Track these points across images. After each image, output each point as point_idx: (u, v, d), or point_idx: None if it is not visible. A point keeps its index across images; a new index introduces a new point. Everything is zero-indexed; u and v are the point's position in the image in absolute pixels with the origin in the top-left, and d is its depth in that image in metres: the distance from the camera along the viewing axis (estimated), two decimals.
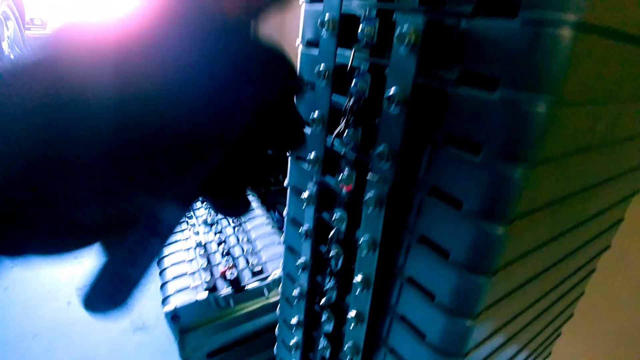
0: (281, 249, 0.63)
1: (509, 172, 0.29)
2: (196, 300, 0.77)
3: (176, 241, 0.99)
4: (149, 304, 1.07)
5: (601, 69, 0.30)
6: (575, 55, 0.26)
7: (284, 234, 0.60)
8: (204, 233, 1.02)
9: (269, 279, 0.84)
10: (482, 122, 0.30)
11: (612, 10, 0.27)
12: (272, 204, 1.84)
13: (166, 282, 0.82)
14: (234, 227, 1.02)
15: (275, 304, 0.82)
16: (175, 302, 0.77)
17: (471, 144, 0.30)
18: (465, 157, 0.31)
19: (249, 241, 0.97)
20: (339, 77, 0.42)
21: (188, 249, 0.96)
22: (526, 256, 0.37)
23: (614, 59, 0.31)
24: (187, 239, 0.99)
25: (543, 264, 0.43)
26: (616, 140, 0.40)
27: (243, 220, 1.07)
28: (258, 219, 1.06)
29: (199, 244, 0.95)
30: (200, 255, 0.91)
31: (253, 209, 1.08)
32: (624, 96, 0.36)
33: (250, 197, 1.05)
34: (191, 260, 0.92)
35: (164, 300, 0.78)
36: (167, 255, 0.94)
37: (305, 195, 0.48)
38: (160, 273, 0.86)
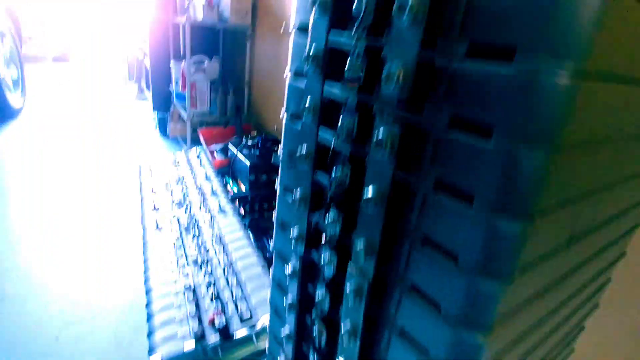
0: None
1: (503, 226, 0.26)
2: (183, 352, 0.74)
3: (166, 282, 0.96)
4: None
5: (602, 114, 0.28)
6: (575, 103, 0.24)
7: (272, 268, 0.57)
8: (194, 274, 0.99)
9: (258, 325, 0.81)
10: (475, 171, 0.27)
11: (613, 55, 0.25)
12: (265, 229, 1.80)
13: (153, 330, 0.79)
14: (224, 268, 0.99)
15: (264, 350, 0.79)
16: (162, 352, 0.74)
17: (463, 194, 0.28)
18: (457, 207, 0.29)
19: (238, 284, 0.94)
20: (327, 111, 0.40)
21: (177, 292, 0.93)
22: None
23: (615, 102, 0.29)
24: (175, 281, 0.96)
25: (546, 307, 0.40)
26: (619, 180, 0.38)
27: (233, 258, 1.04)
28: (249, 258, 1.03)
29: (187, 288, 0.92)
30: (189, 300, 0.89)
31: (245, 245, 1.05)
32: (626, 136, 0.34)
33: (243, 234, 1.02)
34: (180, 305, 0.89)
35: (151, 350, 0.75)
36: (156, 299, 0.91)
37: (289, 269, 0.45)
38: (148, 319, 0.83)
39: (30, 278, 1.29)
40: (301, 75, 0.45)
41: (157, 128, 3.13)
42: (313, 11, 0.37)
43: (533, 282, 0.34)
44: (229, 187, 2.07)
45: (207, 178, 1.60)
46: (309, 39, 0.39)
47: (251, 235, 1.64)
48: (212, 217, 1.28)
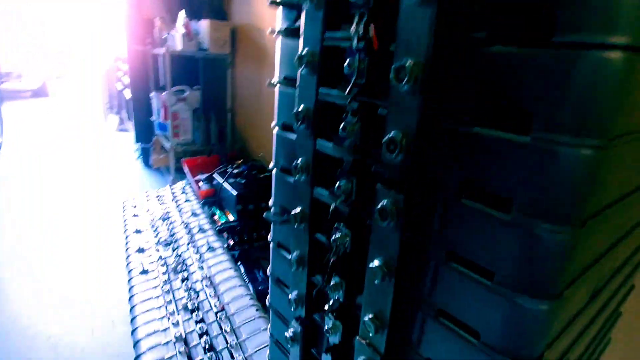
0: (266, 336, 0.56)
1: (527, 304, 0.24)
2: None
3: (155, 332, 0.91)
4: None
5: (619, 179, 0.26)
6: (595, 178, 0.22)
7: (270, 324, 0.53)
8: (184, 321, 0.93)
9: None
10: (493, 244, 0.25)
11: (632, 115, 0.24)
12: (256, 259, 1.75)
13: None
14: (216, 313, 0.94)
15: None
16: None
17: (483, 270, 0.26)
18: (473, 281, 0.26)
19: (233, 330, 0.89)
20: (322, 169, 0.38)
21: (167, 342, 0.87)
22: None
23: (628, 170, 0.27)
24: (165, 329, 0.90)
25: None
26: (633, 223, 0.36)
27: (226, 301, 0.99)
28: (242, 299, 0.98)
29: (178, 338, 0.86)
30: (180, 352, 0.83)
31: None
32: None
33: (234, 272, 0.97)
34: (171, 357, 0.83)
35: None
36: (145, 352, 0.85)
37: (289, 332, 0.42)
38: None
39: (15, 329, 1.21)
40: (290, 129, 0.43)
41: (140, 159, 3.06)
42: (300, 68, 0.35)
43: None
44: (215, 218, 2.02)
45: (193, 214, 1.55)
46: (297, 95, 0.37)
47: (242, 268, 1.59)
48: (200, 257, 1.23)
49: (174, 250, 1.27)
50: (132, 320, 1.01)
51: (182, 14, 2.38)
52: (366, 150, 0.33)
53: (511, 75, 0.23)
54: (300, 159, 0.37)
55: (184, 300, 1.03)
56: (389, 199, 0.29)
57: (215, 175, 2.19)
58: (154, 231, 1.40)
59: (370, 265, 0.31)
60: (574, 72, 0.21)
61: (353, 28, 0.30)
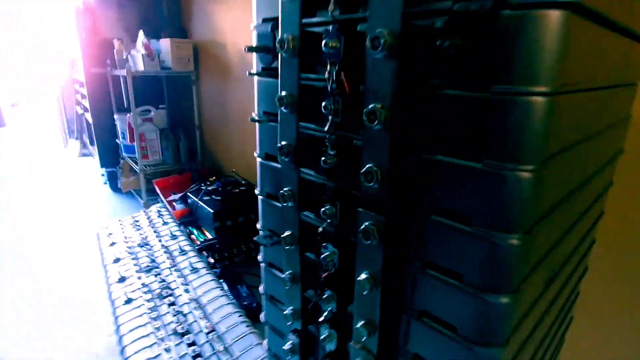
0: (260, 350, 0.59)
1: (492, 299, 0.29)
2: None
3: None
4: None
5: (555, 190, 0.32)
6: (535, 194, 0.27)
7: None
8: (176, 346, 0.94)
9: None
10: (460, 252, 0.30)
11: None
12: (238, 275, 1.76)
13: None
14: (207, 334, 0.95)
15: None
16: None
17: (454, 273, 0.31)
18: (447, 284, 0.31)
19: (226, 349, 0.91)
20: (305, 150, 0.41)
21: None
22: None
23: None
24: (157, 356, 0.91)
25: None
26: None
27: (215, 320, 1.00)
28: (232, 317, 1.00)
29: None
30: None
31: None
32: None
33: (220, 291, 0.98)
34: None
35: None
36: None
37: (287, 345, 0.46)
38: None
39: None
40: (272, 159, 0.46)
41: (107, 184, 2.98)
42: (281, 108, 0.39)
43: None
44: (193, 237, 2.01)
45: (172, 236, 1.54)
46: (279, 131, 0.41)
47: (224, 285, 1.59)
48: (185, 279, 1.23)
49: (156, 276, 1.27)
50: (122, 350, 1.00)
51: (141, 34, 2.36)
52: (346, 178, 0.37)
53: (462, 113, 0.29)
54: (286, 188, 0.41)
55: (172, 325, 1.04)
56: (370, 221, 0.33)
57: (189, 194, 2.18)
58: (134, 259, 1.38)
59: (358, 278, 0.36)
60: (509, 112, 0.26)
61: (327, 75, 0.34)
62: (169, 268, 1.31)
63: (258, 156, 0.49)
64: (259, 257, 0.54)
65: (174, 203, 2.31)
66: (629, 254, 0.77)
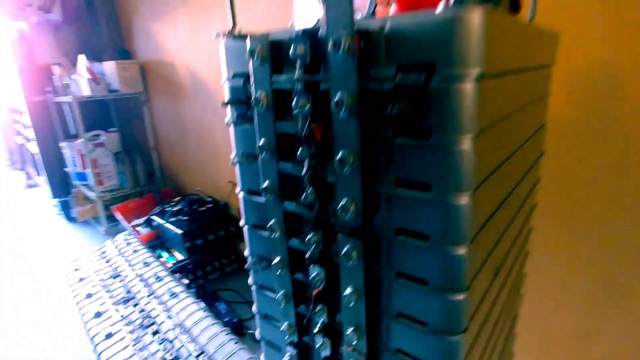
0: None
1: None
2: None
3: None
4: None
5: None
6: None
7: None
8: None
9: None
10: (423, 263, 0.38)
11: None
12: (214, 292, 1.77)
13: None
14: (197, 357, 0.98)
15: None
16: None
17: (420, 279, 0.39)
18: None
19: None
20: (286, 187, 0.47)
21: None
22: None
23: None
24: None
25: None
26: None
27: (203, 342, 1.03)
28: (219, 337, 1.03)
29: None
30: None
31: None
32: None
33: (203, 312, 1.01)
34: None
35: None
36: None
37: (287, 357, 0.52)
38: None
39: None
40: (255, 193, 0.52)
41: (61, 214, 2.84)
42: (261, 154, 0.45)
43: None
44: (163, 260, 1.98)
45: (145, 264, 1.53)
46: (261, 172, 0.47)
47: (202, 304, 1.61)
48: (165, 305, 1.24)
49: (135, 306, 1.27)
50: None
51: (82, 59, 2.28)
52: (324, 209, 0.44)
53: (412, 157, 0.36)
54: (272, 220, 0.48)
55: (160, 354, 1.05)
56: (349, 244, 0.40)
57: (154, 217, 2.15)
58: (108, 292, 1.36)
59: (344, 293, 0.43)
60: (445, 157, 0.34)
61: (299, 125, 0.41)
62: (147, 296, 1.31)
63: (241, 191, 0.54)
64: (249, 281, 0.59)
65: (138, 227, 2.26)
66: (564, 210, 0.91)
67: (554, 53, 0.68)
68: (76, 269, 1.54)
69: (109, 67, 2.37)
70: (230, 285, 1.88)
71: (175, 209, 2.09)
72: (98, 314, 1.26)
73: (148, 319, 1.20)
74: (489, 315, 0.49)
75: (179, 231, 1.90)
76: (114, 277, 1.45)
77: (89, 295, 1.36)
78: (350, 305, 0.42)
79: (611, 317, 0.92)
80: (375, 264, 0.42)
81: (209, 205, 2.06)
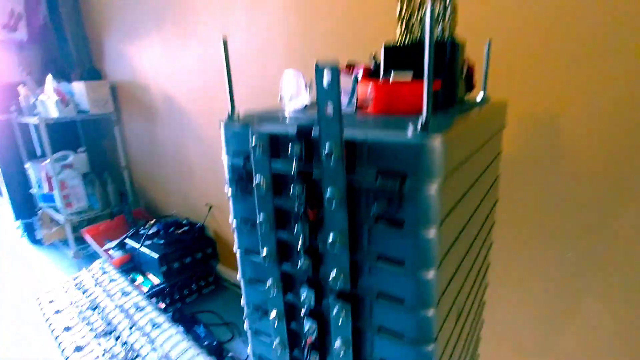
0: None
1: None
2: None
3: None
4: None
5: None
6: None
7: None
8: None
9: None
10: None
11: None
12: (192, 316, 1.78)
13: None
14: None
15: None
16: None
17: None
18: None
19: None
20: (283, 252, 0.55)
21: None
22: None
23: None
24: None
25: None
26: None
27: None
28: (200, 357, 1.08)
29: None
30: None
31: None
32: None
33: (187, 342, 1.05)
34: None
35: None
36: None
37: None
38: None
39: None
40: (252, 252, 0.59)
41: (25, 237, 2.74)
42: (261, 228, 0.53)
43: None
44: (137, 284, 1.98)
45: (124, 293, 1.53)
46: (259, 239, 0.55)
47: (180, 328, 1.63)
48: (148, 337, 1.26)
49: (117, 339, 1.28)
50: None
51: (50, 79, 2.24)
52: (317, 272, 0.52)
53: (389, 239, 0.45)
54: (269, 280, 0.55)
55: None
56: (339, 304, 0.49)
57: (129, 241, 2.14)
58: (87, 324, 1.37)
59: (335, 346, 0.51)
60: (415, 242, 0.43)
61: (295, 208, 0.49)
62: (129, 328, 1.33)
63: (238, 249, 0.61)
64: (245, 326, 0.66)
65: (110, 251, 2.24)
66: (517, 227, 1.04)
67: (504, 118, 0.80)
68: (51, 301, 1.52)
69: (78, 87, 2.34)
70: (209, 306, 1.91)
71: (151, 231, 2.09)
72: (79, 348, 1.26)
73: (132, 352, 1.22)
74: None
75: (155, 255, 1.90)
76: (93, 309, 1.45)
77: (67, 329, 1.35)
78: (341, 355, 0.50)
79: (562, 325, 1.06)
80: (359, 319, 0.50)
81: (185, 228, 2.08)
